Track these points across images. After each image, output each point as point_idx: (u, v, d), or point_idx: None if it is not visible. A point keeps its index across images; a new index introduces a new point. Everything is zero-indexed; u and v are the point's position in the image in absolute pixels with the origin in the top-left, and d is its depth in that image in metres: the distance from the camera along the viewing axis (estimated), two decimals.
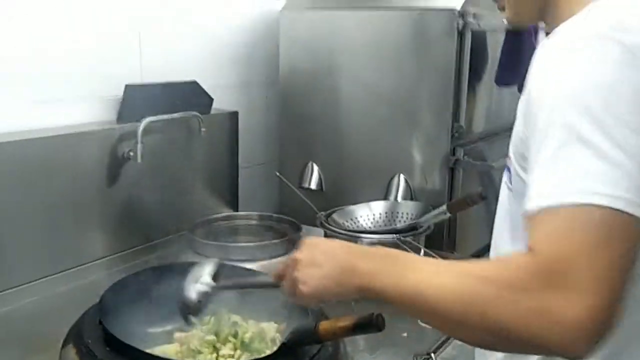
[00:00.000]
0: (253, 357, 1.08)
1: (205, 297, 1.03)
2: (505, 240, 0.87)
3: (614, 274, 0.62)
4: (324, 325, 0.99)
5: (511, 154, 0.83)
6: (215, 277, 1.05)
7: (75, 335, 1.07)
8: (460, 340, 0.72)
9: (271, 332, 1.15)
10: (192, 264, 1.10)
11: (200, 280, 1.03)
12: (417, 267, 0.73)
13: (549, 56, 0.73)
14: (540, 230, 0.65)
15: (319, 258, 0.83)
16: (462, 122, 1.67)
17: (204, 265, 1.06)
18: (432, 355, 1.11)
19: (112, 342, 1.02)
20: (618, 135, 0.64)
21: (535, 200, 0.66)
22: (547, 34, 0.87)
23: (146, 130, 1.54)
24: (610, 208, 0.62)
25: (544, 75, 0.72)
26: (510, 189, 0.85)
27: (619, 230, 0.62)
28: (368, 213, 1.66)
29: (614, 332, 0.63)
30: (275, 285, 0.94)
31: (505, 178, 0.88)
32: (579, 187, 0.63)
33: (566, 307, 0.61)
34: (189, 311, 1.03)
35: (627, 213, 0.62)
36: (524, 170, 0.77)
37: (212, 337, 1.13)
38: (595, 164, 0.63)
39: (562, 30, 0.74)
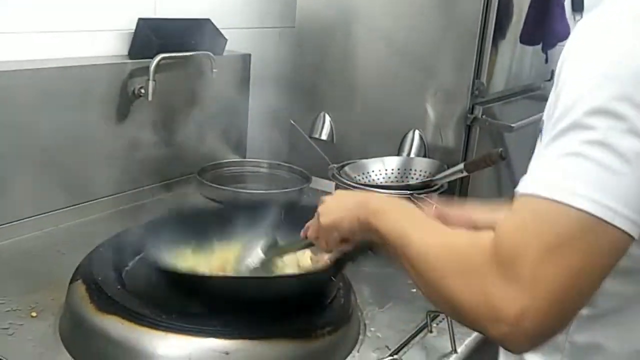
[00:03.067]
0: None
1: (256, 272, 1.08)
2: None
3: (569, 280, 0.58)
4: None
5: (545, 118, 0.80)
6: (265, 250, 1.09)
7: (84, 272, 1.04)
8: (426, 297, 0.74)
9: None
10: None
11: (252, 256, 1.08)
12: (417, 219, 0.78)
13: (583, 35, 0.68)
14: (512, 215, 0.63)
15: (343, 198, 0.95)
16: (484, 79, 1.62)
17: (255, 242, 1.09)
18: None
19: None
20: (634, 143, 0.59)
21: (522, 184, 0.64)
22: None
23: (158, 67, 1.49)
24: (588, 213, 0.58)
25: (577, 55, 0.67)
26: None
27: (592, 238, 0.58)
28: (381, 168, 1.62)
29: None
30: (308, 243, 1.02)
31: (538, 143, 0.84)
32: (565, 184, 0.59)
33: (507, 299, 0.59)
34: None
35: (609, 223, 0.58)
36: None
37: None
38: (594, 167, 0.59)
39: (599, 9, 0.69)
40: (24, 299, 1.11)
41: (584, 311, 0.69)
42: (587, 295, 0.61)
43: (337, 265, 1.03)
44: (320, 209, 0.95)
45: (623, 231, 0.58)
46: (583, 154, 0.60)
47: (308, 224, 1.00)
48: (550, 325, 0.60)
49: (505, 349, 0.66)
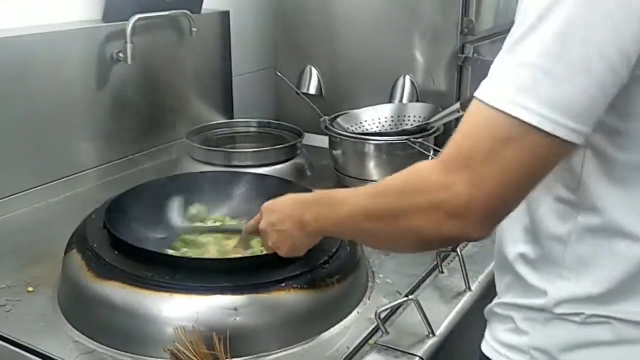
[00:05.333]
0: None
1: None
2: None
3: (506, 176, 0.63)
4: None
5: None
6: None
7: (79, 240, 1.00)
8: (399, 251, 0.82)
9: None
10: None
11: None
12: (342, 200, 0.79)
13: None
14: (466, 119, 0.67)
15: (277, 223, 0.89)
16: (472, 16, 1.57)
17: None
18: (459, 251, 1.06)
19: (120, 246, 0.95)
20: (581, 54, 0.60)
21: (479, 90, 0.66)
22: None
23: (135, 30, 1.42)
24: (523, 122, 0.61)
25: None
26: None
27: (530, 143, 0.62)
28: (374, 117, 1.58)
29: None
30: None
31: None
32: (508, 93, 0.62)
33: (454, 194, 0.64)
34: None
35: (543, 130, 0.61)
36: None
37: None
38: (536, 75, 0.61)
39: None
40: (18, 275, 1.07)
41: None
42: (526, 189, 0.66)
43: None
44: (269, 243, 0.92)
45: (562, 139, 0.61)
46: (531, 64, 0.62)
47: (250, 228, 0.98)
48: (497, 211, 0.66)
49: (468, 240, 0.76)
